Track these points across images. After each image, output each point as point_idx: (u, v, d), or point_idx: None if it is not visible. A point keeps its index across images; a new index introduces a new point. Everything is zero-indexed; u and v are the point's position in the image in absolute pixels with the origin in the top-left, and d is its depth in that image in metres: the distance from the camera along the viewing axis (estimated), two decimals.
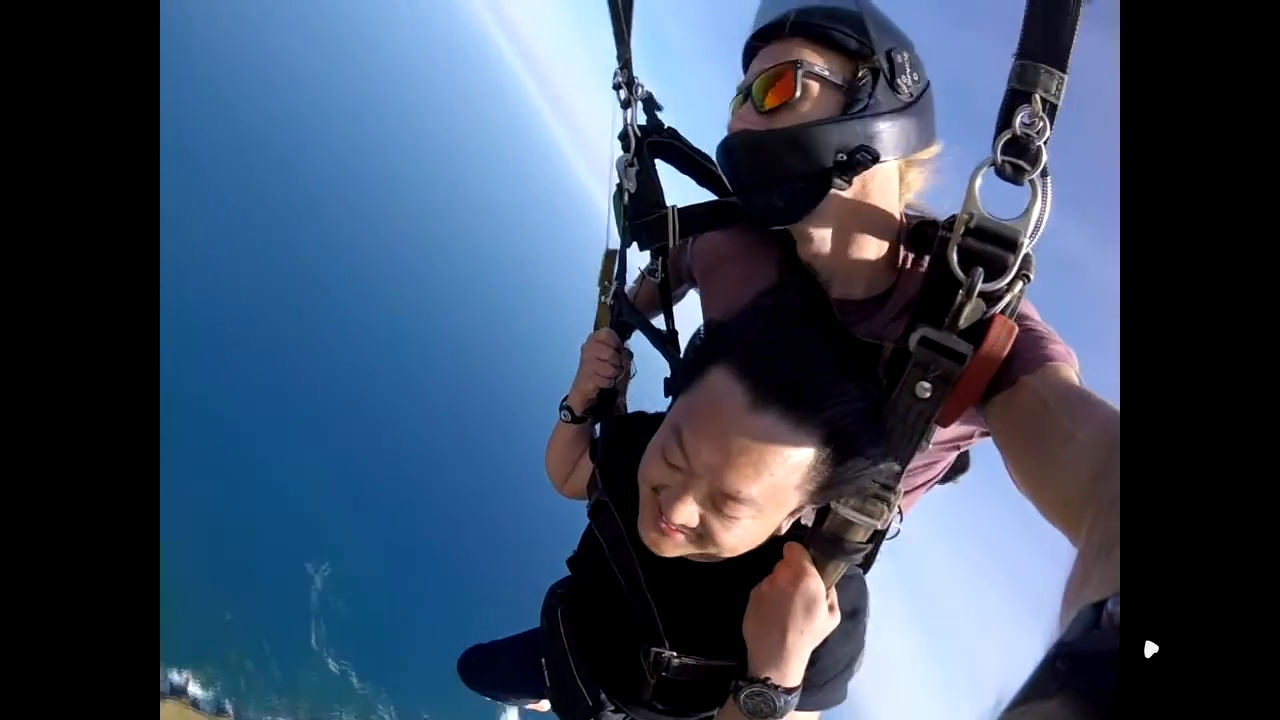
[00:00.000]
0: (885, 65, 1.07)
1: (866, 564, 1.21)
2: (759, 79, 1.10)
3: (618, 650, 1.19)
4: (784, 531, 1.03)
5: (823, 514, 1.05)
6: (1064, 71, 0.87)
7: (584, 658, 1.26)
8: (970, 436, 1.21)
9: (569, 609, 1.31)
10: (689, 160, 1.44)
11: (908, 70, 1.09)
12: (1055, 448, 0.85)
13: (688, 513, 0.93)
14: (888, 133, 1.07)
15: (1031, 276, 0.96)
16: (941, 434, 1.05)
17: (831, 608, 1.04)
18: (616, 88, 1.45)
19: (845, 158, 1.05)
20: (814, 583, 1.02)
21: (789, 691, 1.00)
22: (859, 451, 0.92)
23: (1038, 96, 0.87)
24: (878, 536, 1.05)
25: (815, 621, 1.01)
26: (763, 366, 0.91)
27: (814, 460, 0.91)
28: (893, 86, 1.08)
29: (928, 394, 0.94)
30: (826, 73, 1.07)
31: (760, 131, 1.09)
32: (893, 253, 1.17)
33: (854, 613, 1.10)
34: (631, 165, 1.41)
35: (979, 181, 0.94)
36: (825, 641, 1.05)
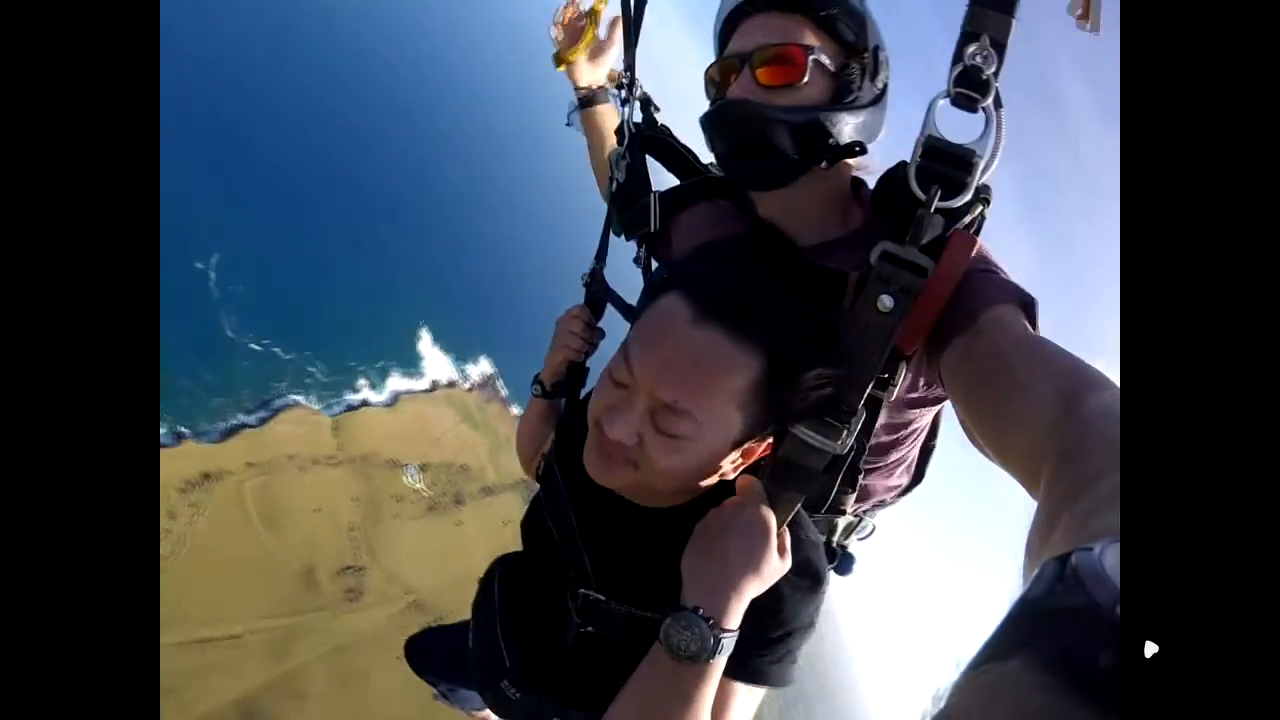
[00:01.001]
0: (871, 61, 1.15)
1: (827, 506, 1.19)
2: (763, 51, 1.12)
3: (545, 607, 1.14)
4: (731, 476, 1.02)
5: (780, 444, 1.02)
6: (1010, 15, 0.95)
7: (510, 613, 1.22)
8: (931, 400, 1.22)
9: (505, 573, 1.28)
10: (677, 155, 1.51)
11: (884, 67, 1.18)
12: (1013, 398, 0.86)
13: (628, 428, 0.92)
14: (868, 124, 1.17)
15: (990, 200, 1.03)
16: (901, 390, 1.08)
17: (783, 549, 0.97)
18: (618, 87, 1.52)
19: (835, 144, 1.12)
20: (762, 511, 0.96)
21: (722, 631, 0.88)
22: (803, 372, 0.92)
23: (986, 36, 0.95)
24: (835, 465, 1.00)
25: (760, 555, 0.93)
26: (710, 286, 0.94)
27: (755, 378, 0.90)
28: (873, 81, 1.17)
29: (889, 307, 0.94)
30: (827, 61, 1.12)
31: (763, 105, 1.12)
32: (847, 200, 1.26)
33: (812, 576, 1.03)
34: (623, 159, 1.44)
35: (936, 113, 1.01)
36: (777, 596, 0.97)
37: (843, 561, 1.42)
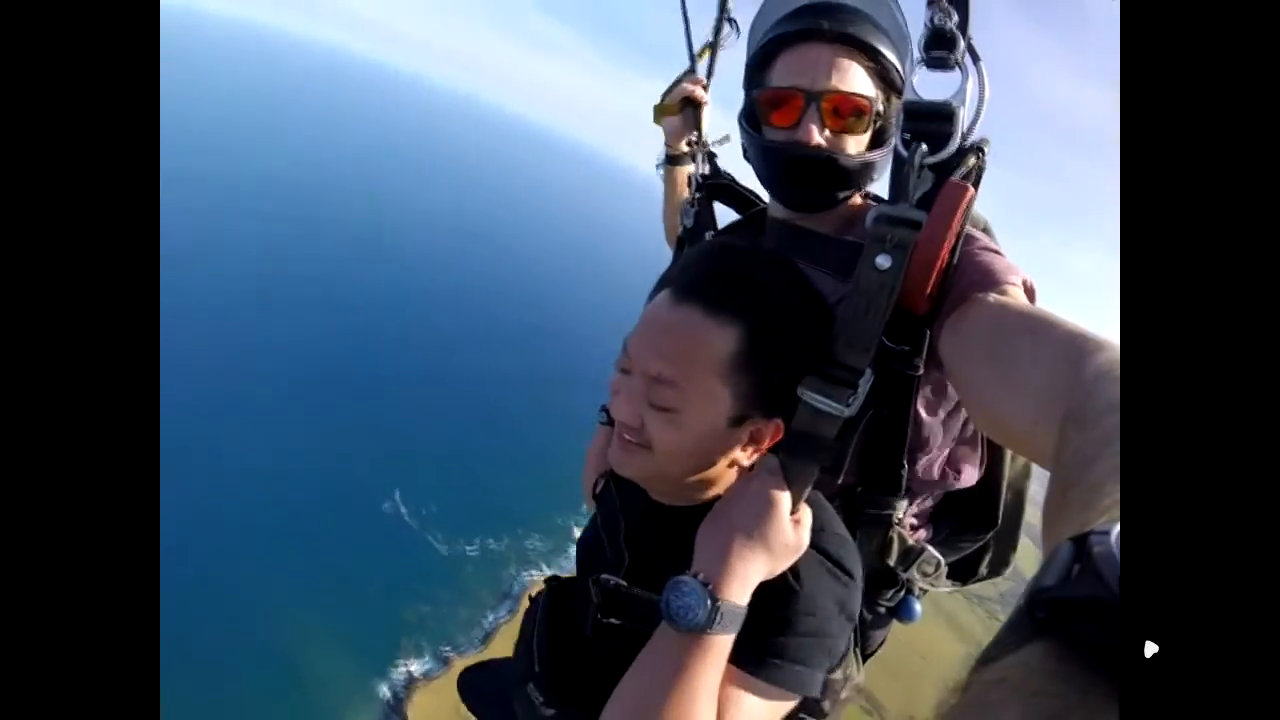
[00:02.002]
0: (899, 102, 1.16)
1: (875, 507, 1.14)
2: (832, 97, 1.16)
3: (579, 611, 1.13)
4: (746, 463, 1.01)
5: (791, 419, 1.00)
6: None
7: (550, 622, 1.22)
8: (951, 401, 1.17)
9: (556, 588, 1.29)
10: (740, 198, 1.65)
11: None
12: (1016, 367, 0.84)
13: (630, 408, 0.95)
14: (888, 161, 1.20)
15: (985, 150, 1.04)
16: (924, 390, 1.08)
17: (798, 523, 0.93)
18: (690, 144, 1.74)
19: (873, 180, 1.24)
20: (772, 480, 0.93)
21: (721, 601, 0.85)
22: (783, 342, 0.94)
23: None
24: (848, 430, 0.97)
25: (771, 525, 0.90)
26: (689, 270, 1.00)
27: (735, 349, 0.92)
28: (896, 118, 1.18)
29: (887, 264, 0.95)
30: (880, 109, 1.20)
31: (833, 155, 1.19)
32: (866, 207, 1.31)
33: (835, 565, 0.97)
34: (692, 206, 1.62)
35: (915, 78, 1.05)
36: (802, 580, 0.93)
37: (903, 604, 1.28)
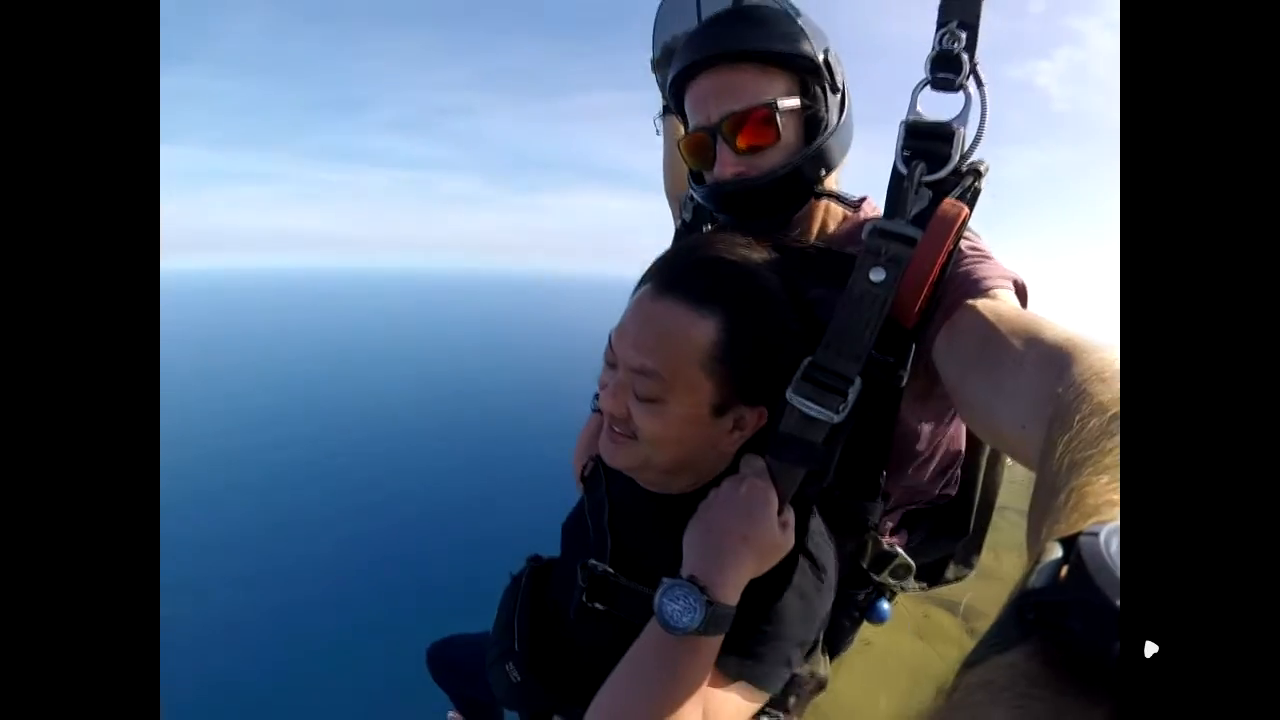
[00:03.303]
0: (827, 74, 1.16)
1: (853, 518, 1.14)
2: (730, 121, 1.14)
3: (562, 595, 1.13)
4: (730, 450, 1.02)
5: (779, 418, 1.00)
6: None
7: (531, 602, 1.21)
8: (944, 407, 1.17)
9: (538, 569, 1.28)
10: None
11: (838, 65, 1.18)
12: (1005, 374, 0.85)
13: (615, 399, 0.97)
14: (842, 137, 1.20)
15: (983, 172, 1.06)
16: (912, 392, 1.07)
17: (784, 525, 0.94)
18: None
19: (826, 172, 1.19)
20: (760, 483, 0.95)
21: (714, 603, 0.85)
22: (763, 332, 0.96)
23: (954, 22, 1.01)
24: (835, 435, 0.97)
25: (760, 527, 0.91)
26: (671, 262, 1.02)
27: (714, 338, 0.94)
28: (834, 88, 1.18)
29: (881, 277, 0.97)
30: (793, 103, 1.15)
31: (756, 178, 1.16)
32: (843, 214, 1.29)
33: (820, 567, 0.99)
34: (690, 200, 1.52)
35: (920, 99, 1.06)
36: (782, 578, 0.95)
37: (873, 606, 1.31)
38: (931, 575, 1.45)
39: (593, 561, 1.04)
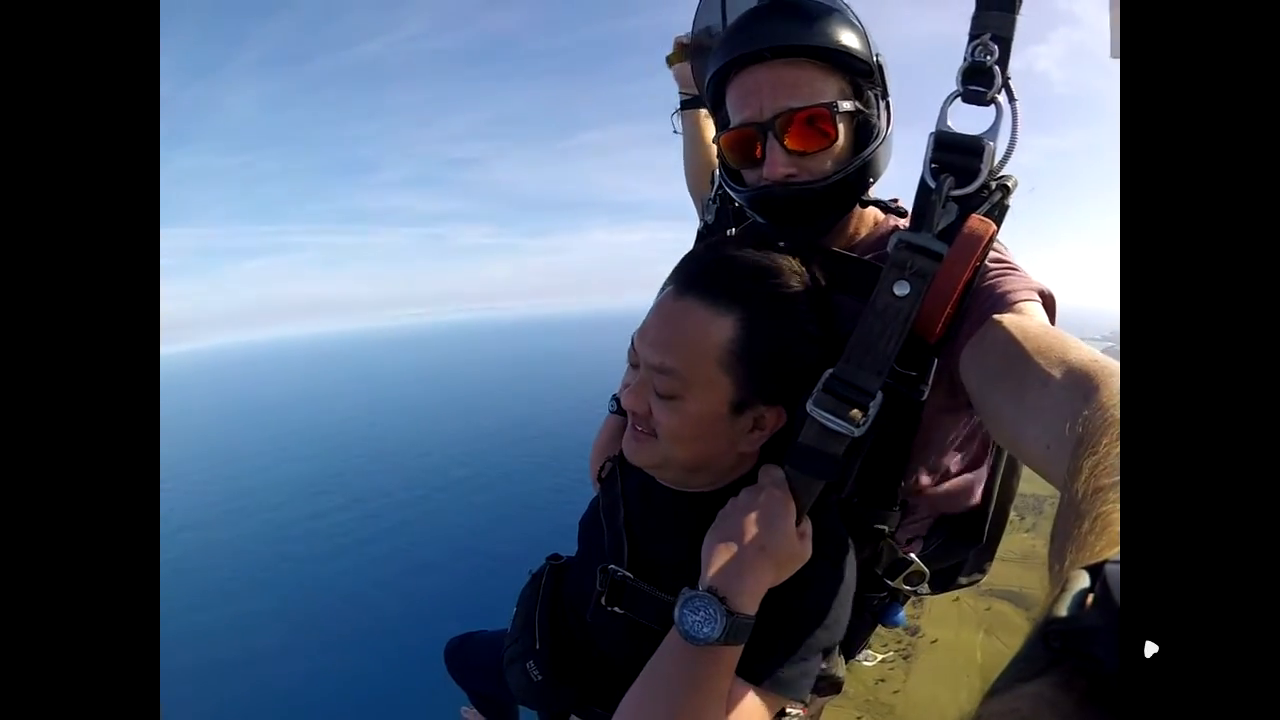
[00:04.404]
0: (880, 80, 1.12)
1: (868, 525, 1.13)
2: (785, 119, 1.07)
3: (581, 595, 1.15)
4: (748, 450, 1.03)
5: (800, 429, 1.01)
6: (1012, 11, 0.99)
7: (551, 601, 1.23)
8: (965, 414, 1.15)
9: (556, 568, 1.31)
10: None
11: (887, 72, 1.14)
12: (1031, 392, 0.84)
13: (637, 396, 1.00)
14: (889, 146, 1.15)
15: (1011, 188, 1.04)
16: (934, 398, 1.05)
17: (802, 535, 0.94)
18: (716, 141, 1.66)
19: (873, 181, 1.16)
20: (779, 494, 0.95)
21: (734, 614, 0.86)
22: (781, 330, 0.96)
23: (987, 34, 1.00)
24: (855, 449, 0.98)
25: (777, 537, 0.91)
26: (692, 264, 1.03)
27: (732, 336, 0.95)
28: (886, 98, 1.14)
29: (905, 291, 0.96)
30: (849, 105, 1.09)
31: (808, 182, 1.10)
32: (876, 218, 1.25)
33: (839, 574, 0.99)
34: (713, 202, 1.52)
35: (950, 111, 1.05)
36: (803, 584, 0.94)
37: (887, 608, 1.28)
38: (943, 582, 1.43)
39: (611, 566, 1.05)
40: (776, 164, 1.09)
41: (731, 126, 1.14)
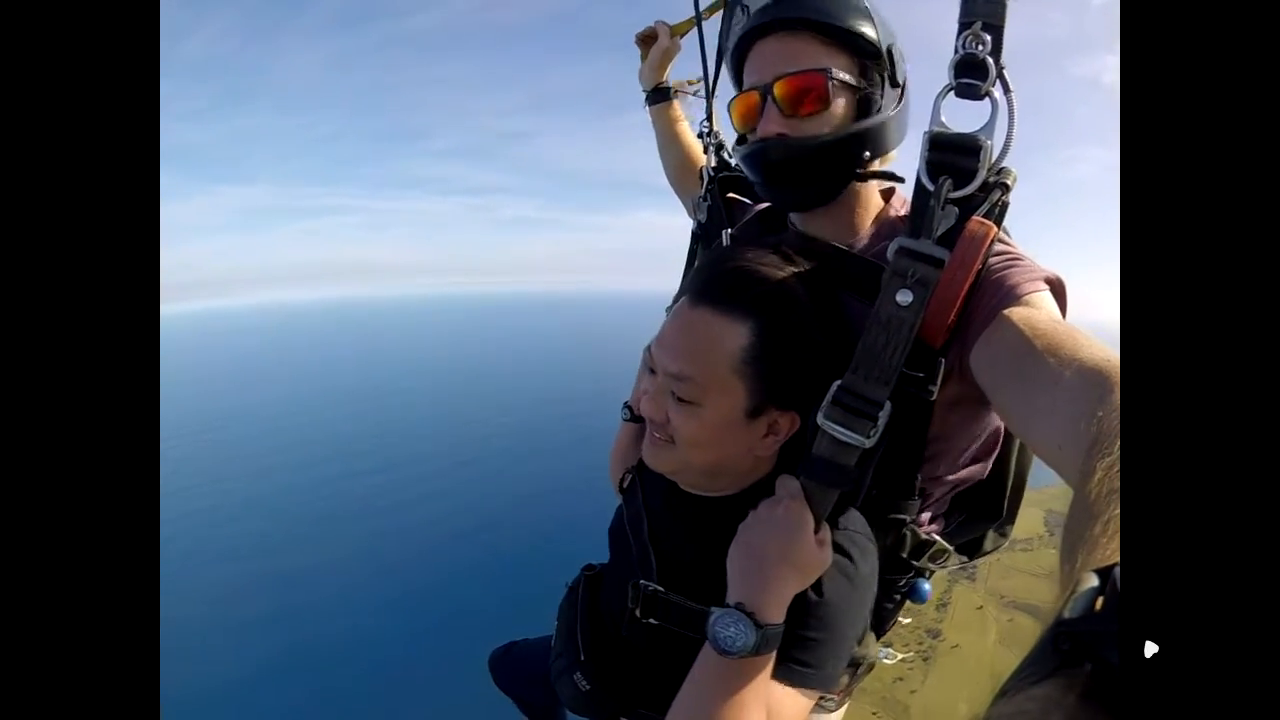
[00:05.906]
0: (889, 63, 1.12)
1: (886, 510, 1.15)
2: (782, 82, 1.09)
3: (617, 605, 1.19)
4: (764, 454, 1.06)
5: (813, 440, 1.02)
6: None
7: (589, 611, 1.29)
8: (980, 409, 1.14)
9: (591, 578, 1.35)
10: (753, 189, 1.52)
11: (901, 62, 1.14)
12: (1043, 390, 0.84)
13: (654, 404, 1.03)
14: (895, 129, 1.15)
15: (1010, 185, 1.03)
16: (943, 393, 1.04)
17: (822, 542, 0.97)
18: (700, 136, 1.65)
19: (869, 156, 1.13)
20: (797, 505, 0.97)
21: (763, 625, 0.90)
22: (794, 336, 0.98)
23: (979, 22, 0.98)
24: (867, 458, 1.01)
25: (798, 548, 0.94)
26: (705, 272, 1.05)
27: (746, 343, 0.97)
28: (893, 82, 1.13)
29: (908, 300, 0.96)
30: (848, 77, 1.09)
31: (796, 140, 1.11)
32: (886, 209, 1.25)
33: (860, 571, 1.02)
34: (704, 200, 1.53)
35: (943, 105, 1.03)
36: (823, 589, 0.98)
37: (914, 586, 1.33)
38: (971, 549, 1.45)
39: (642, 582, 1.09)
40: (770, 121, 1.12)
41: (738, 91, 1.19)
